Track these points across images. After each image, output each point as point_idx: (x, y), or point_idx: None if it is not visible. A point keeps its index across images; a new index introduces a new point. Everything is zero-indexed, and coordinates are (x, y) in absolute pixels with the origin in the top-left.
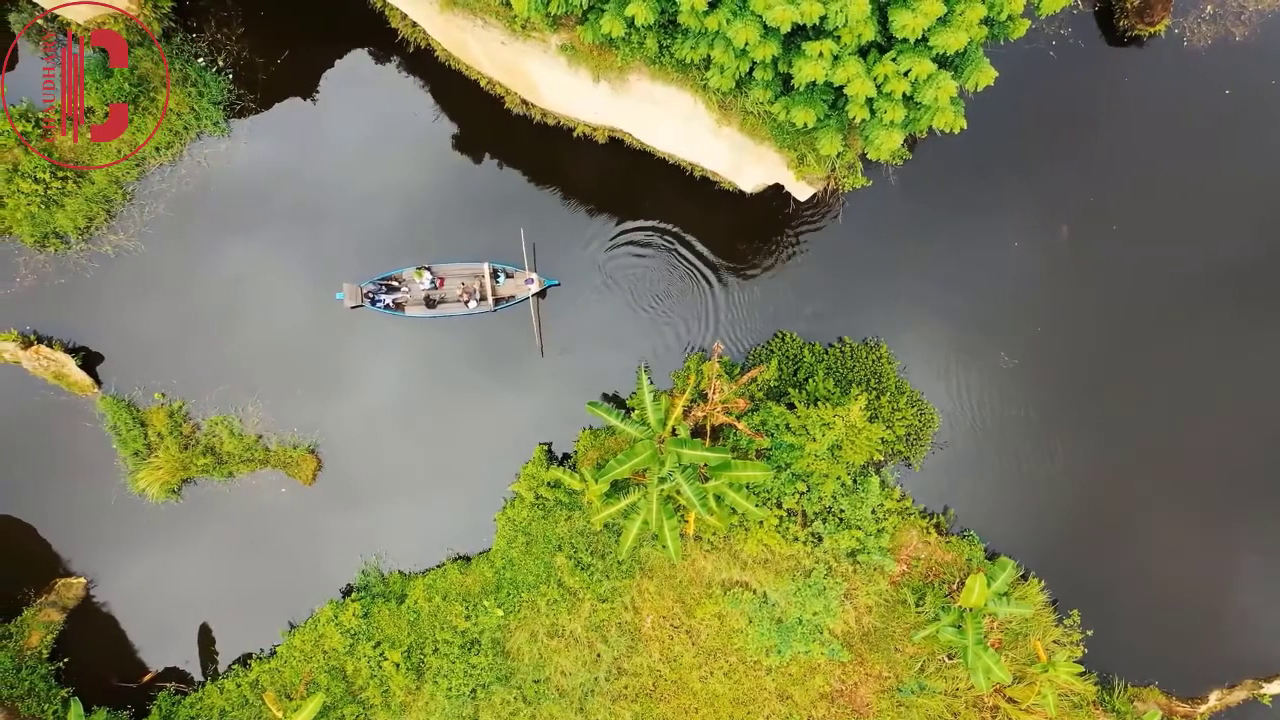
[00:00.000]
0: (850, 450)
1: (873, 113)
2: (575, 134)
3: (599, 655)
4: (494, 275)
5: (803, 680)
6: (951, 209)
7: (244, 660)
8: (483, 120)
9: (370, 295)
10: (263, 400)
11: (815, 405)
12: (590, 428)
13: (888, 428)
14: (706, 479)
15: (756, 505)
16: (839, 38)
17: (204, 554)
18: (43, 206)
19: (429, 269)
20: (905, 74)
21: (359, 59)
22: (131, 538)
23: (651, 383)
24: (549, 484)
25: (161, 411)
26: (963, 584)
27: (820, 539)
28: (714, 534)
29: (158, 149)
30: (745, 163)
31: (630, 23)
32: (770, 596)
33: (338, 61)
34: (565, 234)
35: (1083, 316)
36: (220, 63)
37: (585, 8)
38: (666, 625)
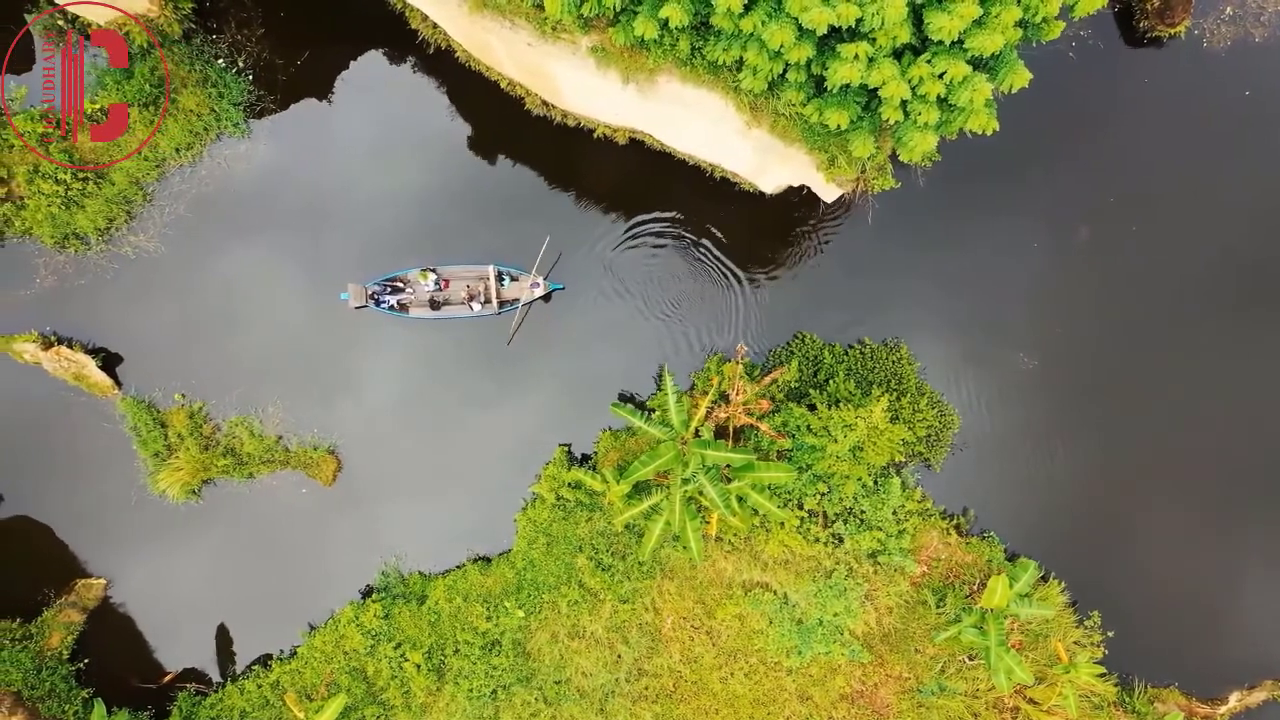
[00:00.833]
0: (871, 451)
1: (906, 115)
2: (595, 135)
3: (620, 656)
4: (499, 278)
5: (823, 681)
6: (970, 210)
7: (264, 661)
8: (501, 121)
9: (375, 296)
10: (282, 401)
11: (836, 406)
12: (610, 428)
13: (908, 429)
14: (729, 480)
15: (779, 506)
16: (874, 40)
17: (224, 555)
18: (63, 207)
19: (434, 270)
20: (940, 76)
21: (379, 60)
22: (151, 539)
23: (675, 384)
24: (570, 485)
25: (182, 412)
26: (983, 585)
27: (841, 540)
28: (735, 535)
29: (178, 150)
30: (771, 164)
31: (663, 25)
32: (791, 597)
33: (357, 62)
34: (580, 234)
35: (1103, 317)
36: (240, 64)
37: (618, 9)
38: (687, 626)
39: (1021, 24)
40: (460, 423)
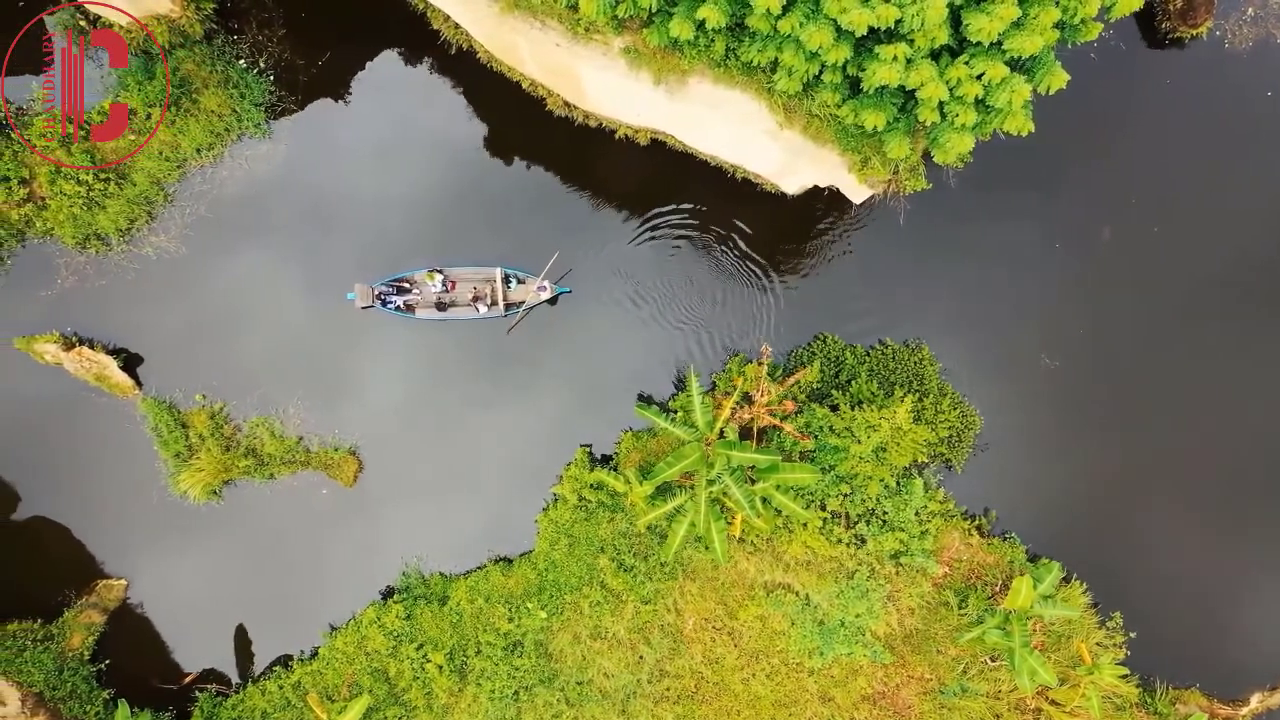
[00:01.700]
0: (895, 452)
1: (943, 116)
2: (617, 136)
3: (641, 657)
4: (505, 280)
5: (845, 682)
6: (991, 211)
7: (284, 662)
8: (520, 122)
9: (381, 296)
10: (302, 401)
11: (859, 407)
12: (631, 429)
13: (931, 430)
14: (753, 481)
15: (802, 507)
16: (912, 41)
17: (244, 556)
18: (85, 208)
19: (441, 271)
20: (978, 77)
21: (399, 60)
22: (172, 539)
23: (701, 385)
24: (592, 486)
25: (203, 413)
26: (1005, 586)
27: (864, 541)
28: (757, 536)
29: (199, 150)
30: (801, 165)
31: (699, 26)
32: (813, 598)
33: (378, 63)
34: (597, 234)
35: (1126, 318)
36: (261, 64)
37: (653, 10)
38: (709, 627)
39: (1059, 25)
40: (478, 424)
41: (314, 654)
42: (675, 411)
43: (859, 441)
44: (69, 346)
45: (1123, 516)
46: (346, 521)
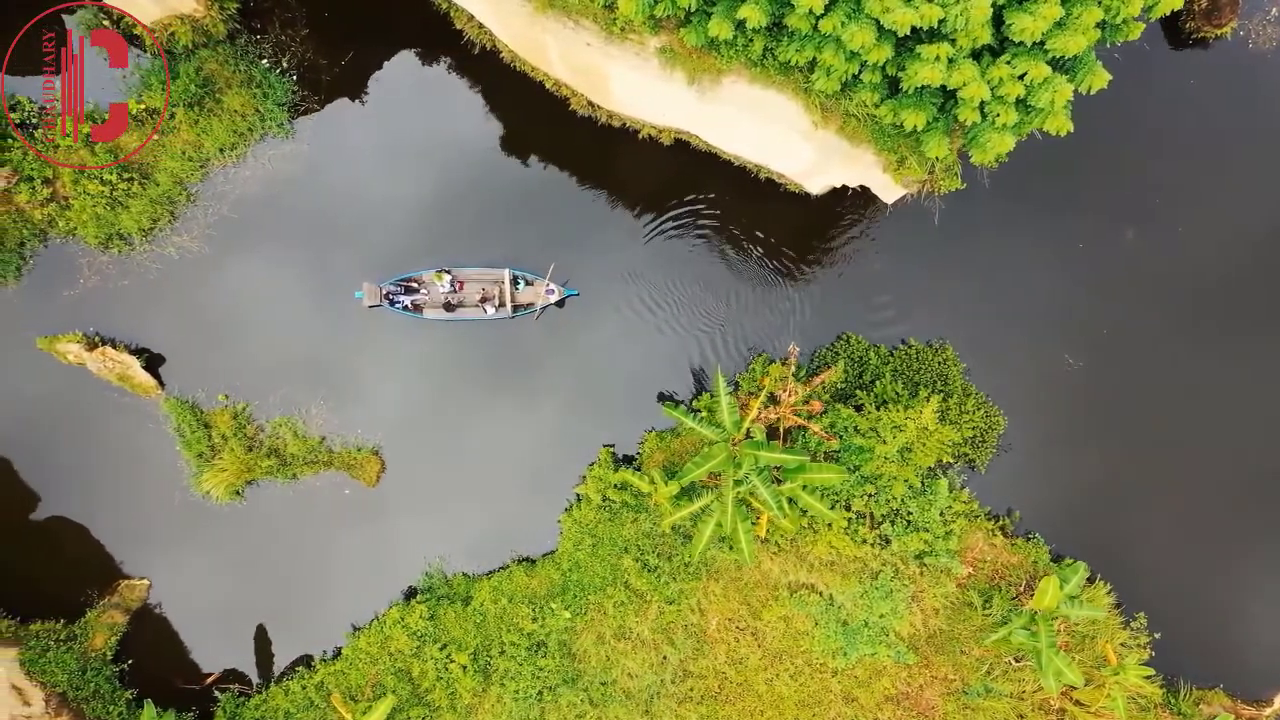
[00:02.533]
0: (920, 453)
1: (984, 116)
2: (640, 136)
3: (665, 657)
4: (514, 282)
5: (868, 683)
6: (1015, 211)
7: (306, 662)
8: (543, 121)
9: (389, 296)
10: (325, 401)
11: (883, 408)
12: (654, 429)
13: (955, 430)
14: (779, 481)
15: (828, 508)
16: (954, 40)
17: (266, 556)
18: (108, 208)
19: (449, 272)
20: (1020, 78)
21: (422, 60)
22: (194, 539)
23: (728, 385)
24: (616, 486)
25: (225, 413)
26: (1029, 586)
27: (888, 541)
28: (781, 536)
29: (222, 150)
30: (832, 165)
31: (738, 25)
32: (837, 599)
33: (400, 63)
34: (615, 235)
35: (1150, 318)
36: (284, 64)
37: (692, 9)
38: (732, 627)
39: (1099, 25)
40: (498, 424)
41: (337, 654)
42: (699, 411)
43: (884, 442)
44: (92, 346)
45: (1145, 516)
46: (369, 521)
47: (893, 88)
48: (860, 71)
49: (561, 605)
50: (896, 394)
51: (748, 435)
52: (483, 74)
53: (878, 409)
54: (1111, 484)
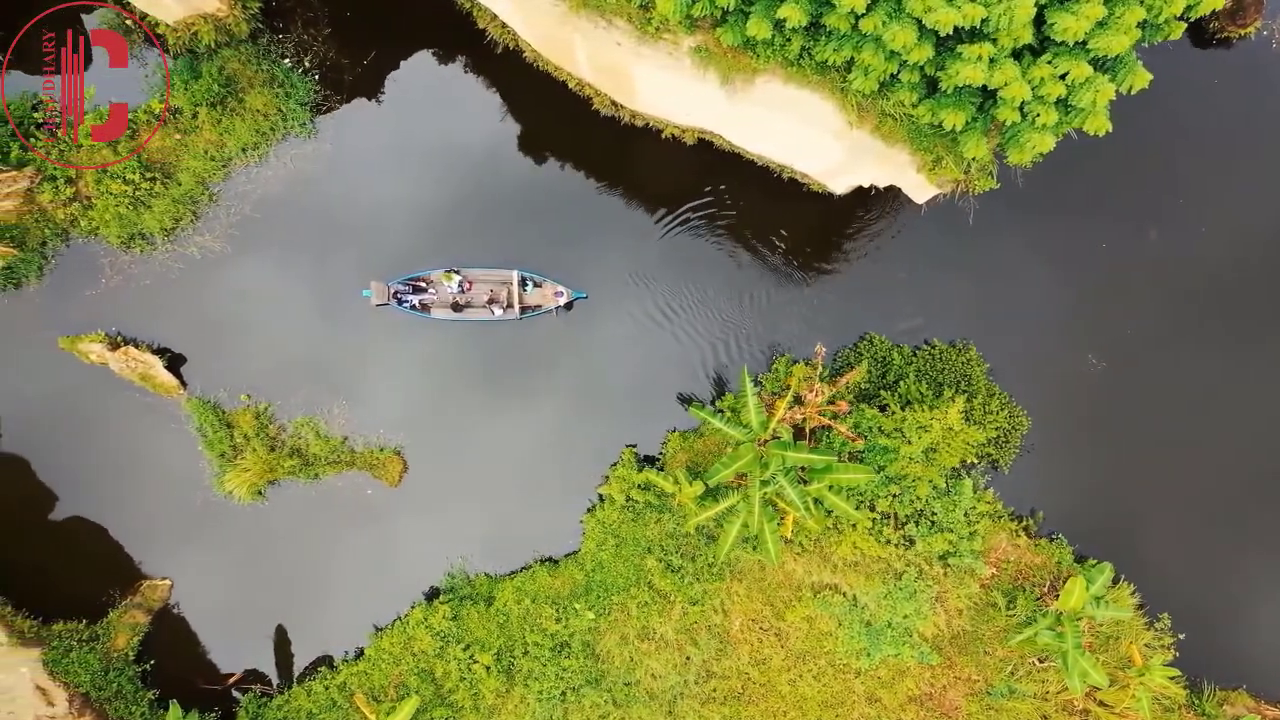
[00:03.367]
0: (944, 453)
1: (1023, 115)
2: (663, 135)
3: (689, 658)
4: (522, 283)
5: (892, 683)
6: (1036, 211)
7: (328, 662)
8: (564, 121)
9: (397, 295)
10: (347, 401)
11: (908, 408)
12: (676, 429)
13: (980, 430)
14: (805, 482)
15: (854, 508)
16: (995, 40)
17: (287, 556)
18: (131, 207)
19: (458, 272)
20: (1062, 77)
21: (443, 60)
22: (215, 539)
23: (755, 384)
24: (640, 486)
25: (248, 413)
26: (1053, 587)
27: (913, 542)
28: (805, 537)
29: (244, 150)
30: (862, 164)
31: (777, 25)
32: (860, 599)
33: (422, 62)
34: (633, 234)
35: (1173, 318)
36: (306, 64)
37: (730, 9)
38: (756, 628)
39: (1141, 24)
40: (519, 425)
41: (359, 654)
42: (722, 412)
43: (909, 442)
44: (114, 346)
45: (1167, 516)
46: (391, 522)
47: (930, 87)
48: (899, 71)
49: (585, 606)
50: (921, 394)
51: (774, 436)
52: (504, 73)
53: (902, 409)
54: (1134, 484)
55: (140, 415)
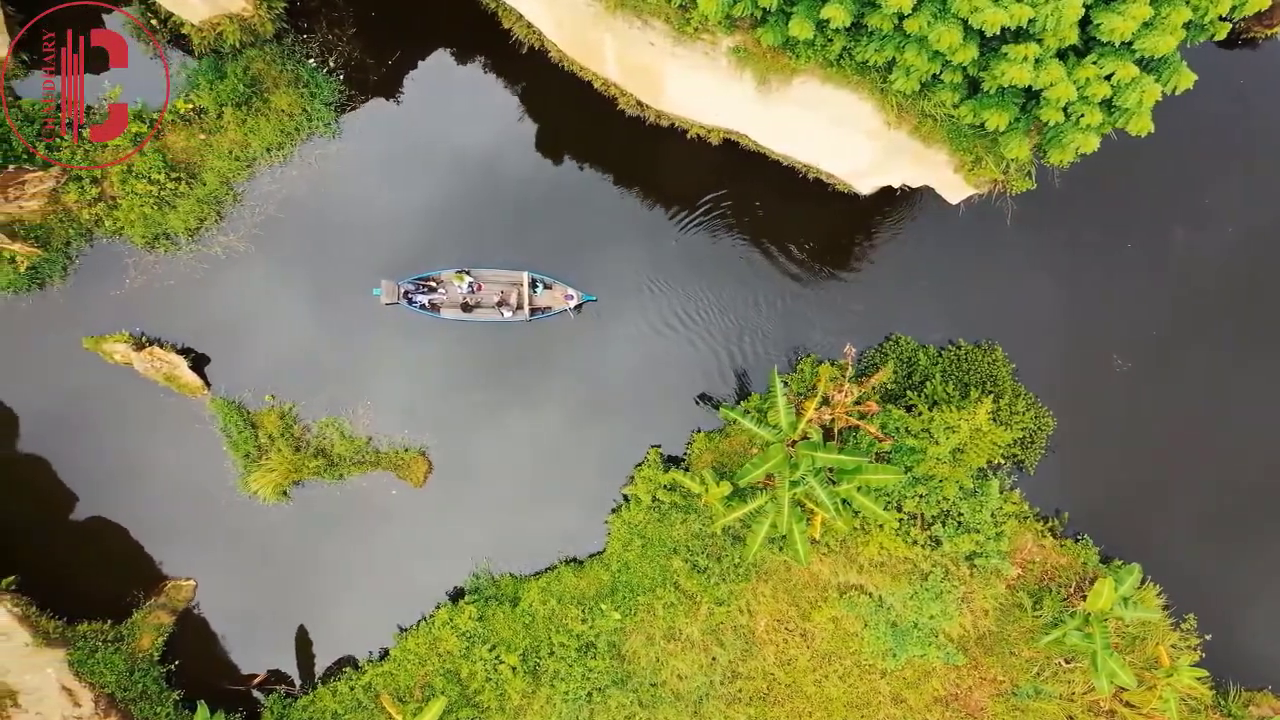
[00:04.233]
0: (971, 453)
1: (1067, 116)
2: (688, 135)
3: (714, 659)
4: (532, 285)
5: (917, 684)
6: (1060, 211)
7: (353, 663)
8: (588, 122)
9: (407, 294)
10: (371, 402)
11: (935, 408)
12: (701, 429)
13: (1006, 431)
14: (834, 482)
15: (881, 509)
16: (1041, 40)
17: (312, 556)
18: (156, 208)
19: (469, 273)
20: (1107, 78)
21: (468, 60)
22: (240, 539)
23: (785, 385)
24: (665, 486)
25: (273, 413)
26: (1079, 588)
27: (939, 542)
28: (831, 537)
29: (269, 150)
30: (898, 165)
31: (819, 25)
32: (886, 600)
33: (447, 62)
34: (653, 234)
35: (1199, 319)
36: (331, 64)
37: (772, 9)
38: (782, 629)
39: (1186, 25)
40: (541, 425)
41: (384, 655)
42: (749, 413)
43: (937, 443)
44: (139, 346)
45: (1192, 517)
46: (416, 522)
47: (972, 87)
48: (940, 71)
49: (611, 606)
50: (947, 395)
51: (804, 436)
52: (529, 73)
53: (929, 410)
54: (1159, 485)
55: (164, 415)
